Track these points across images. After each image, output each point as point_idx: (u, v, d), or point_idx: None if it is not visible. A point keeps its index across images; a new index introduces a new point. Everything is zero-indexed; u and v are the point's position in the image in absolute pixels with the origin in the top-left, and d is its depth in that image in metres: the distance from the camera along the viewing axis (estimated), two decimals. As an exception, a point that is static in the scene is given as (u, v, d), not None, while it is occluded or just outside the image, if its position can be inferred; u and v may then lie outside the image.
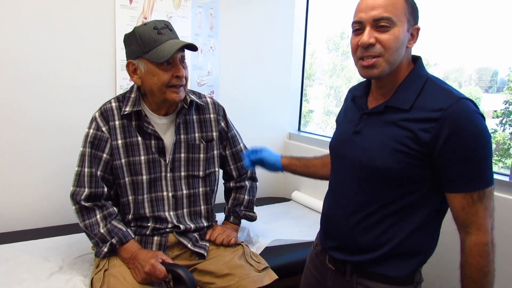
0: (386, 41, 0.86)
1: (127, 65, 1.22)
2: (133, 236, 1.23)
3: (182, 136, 1.30)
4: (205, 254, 1.28)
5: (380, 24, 0.86)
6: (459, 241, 0.89)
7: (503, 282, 1.29)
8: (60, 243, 1.49)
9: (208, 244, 1.32)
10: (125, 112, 1.23)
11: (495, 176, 1.38)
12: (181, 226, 1.28)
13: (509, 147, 2.23)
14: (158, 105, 1.26)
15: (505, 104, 2.28)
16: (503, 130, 2.33)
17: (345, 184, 0.99)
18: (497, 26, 1.96)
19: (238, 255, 1.27)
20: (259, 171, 1.57)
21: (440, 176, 0.87)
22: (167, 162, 1.29)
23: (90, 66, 1.74)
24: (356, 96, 1.04)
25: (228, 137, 1.42)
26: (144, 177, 1.26)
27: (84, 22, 1.70)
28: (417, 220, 0.91)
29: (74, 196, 1.22)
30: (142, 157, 1.26)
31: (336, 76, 3.75)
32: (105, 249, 1.19)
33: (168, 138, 1.29)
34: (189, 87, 1.28)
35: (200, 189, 1.34)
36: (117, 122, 1.24)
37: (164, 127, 1.29)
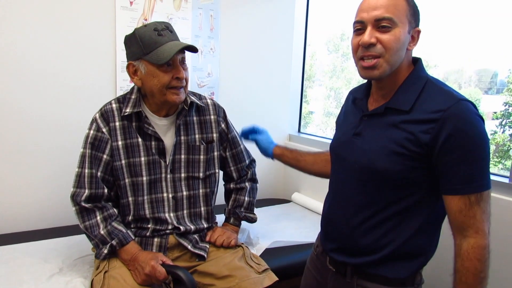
0: (387, 42, 0.86)
1: (128, 67, 1.22)
2: (133, 237, 1.23)
3: (182, 138, 1.30)
4: (205, 255, 1.28)
5: (381, 24, 0.86)
6: (454, 247, 0.87)
7: (503, 284, 1.30)
8: (60, 245, 1.49)
9: (208, 246, 1.31)
10: (126, 113, 1.23)
11: (495, 178, 1.39)
12: (181, 227, 1.28)
13: (509, 148, 2.23)
14: (158, 107, 1.26)
15: (505, 106, 2.29)
16: (503, 132, 2.33)
17: (345, 186, 0.99)
18: (497, 28, 1.96)
19: (238, 257, 1.27)
20: (259, 173, 1.57)
21: (438, 177, 0.86)
22: (167, 163, 1.29)
23: (90, 67, 1.75)
24: (356, 98, 1.04)
25: (228, 138, 1.42)
26: (144, 178, 1.26)
27: (84, 23, 1.70)
28: (417, 222, 0.91)
29: (74, 197, 1.21)
30: (142, 158, 1.26)
31: (336, 78, 3.75)
32: (105, 251, 1.18)
33: (168, 139, 1.29)
34: (189, 88, 1.28)
35: (200, 191, 1.34)
36: (117, 123, 1.24)
37: (164, 128, 1.29)
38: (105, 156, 1.23)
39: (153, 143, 1.27)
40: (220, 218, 1.48)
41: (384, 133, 0.91)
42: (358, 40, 0.89)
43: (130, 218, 1.27)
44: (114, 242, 1.18)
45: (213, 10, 2.03)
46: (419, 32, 0.92)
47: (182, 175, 1.31)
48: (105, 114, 1.25)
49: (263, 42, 2.22)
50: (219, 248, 1.31)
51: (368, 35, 0.87)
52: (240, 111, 2.13)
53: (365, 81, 1.07)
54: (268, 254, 1.48)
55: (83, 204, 1.20)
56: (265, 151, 1.38)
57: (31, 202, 1.70)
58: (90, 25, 1.72)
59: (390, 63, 0.88)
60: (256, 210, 1.52)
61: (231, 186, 1.48)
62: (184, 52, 1.21)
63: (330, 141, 1.19)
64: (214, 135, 1.37)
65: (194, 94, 1.38)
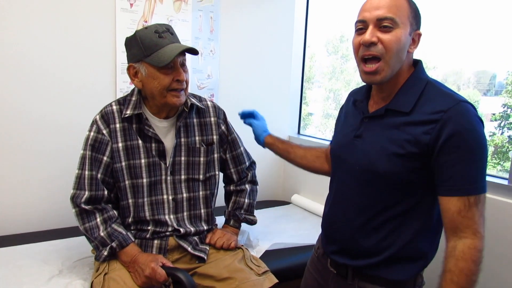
0: (388, 42, 0.87)
1: (128, 68, 1.22)
2: (133, 239, 1.23)
3: (182, 140, 1.30)
4: (205, 257, 1.27)
5: (383, 24, 0.87)
6: (446, 248, 0.85)
7: (503, 285, 1.30)
8: (59, 246, 1.49)
9: (208, 248, 1.31)
10: (126, 115, 1.23)
11: (494, 180, 1.39)
12: (181, 229, 1.28)
13: (508, 150, 2.24)
14: (158, 108, 1.26)
15: (503, 107, 2.30)
16: (502, 134, 2.34)
17: (346, 187, 1.00)
18: (496, 30, 1.97)
19: (238, 259, 1.27)
20: (258, 175, 1.57)
21: (436, 178, 0.86)
22: (167, 165, 1.29)
23: (90, 68, 1.75)
24: (357, 100, 1.05)
25: (228, 140, 1.42)
26: (144, 180, 1.26)
27: (84, 25, 1.70)
28: (418, 224, 0.91)
29: (74, 199, 1.21)
30: (143, 160, 1.26)
31: (335, 79, 3.76)
32: (105, 253, 1.18)
33: (169, 141, 1.29)
34: (189, 90, 1.28)
35: (200, 193, 1.34)
36: (117, 125, 1.24)
37: (164, 130, 1.29)
38: (105, 158, 1.23)
39: (153, 145, 1.27)
40: (220, 220, 1.48)
41: (384, 135, 0.91)
42: (360, 39, 0.90)
43: (130, 220, 1.27)
44: (114, 244, 1.18)
45: (213, 12, 2.03)
46: (420, 35, 0.93)
47: (182, 177, 1.31)
48: (106, 116, 1.25)
49: (263, 44, 2.22)
50: (219, 250, 1.31)
51: (369, 34, 0.88)
52: (240, 113, 2.13)
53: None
54: (268, 256, 1.48)
55: (83, 206, 1.20)
56: (257, 138, 1.40)
57: (31, 203, 1.70)
58: (90, 26, 1.72)
59: (391, 66, 0.89)
60: (255, 212, 1.52)
61: (231, 188, 1.48)
62: (184, 55, 1.21)
63: (329, 143, 1.20)
64: (214, 137, 1.37)
65: (194, 96, 1.38)
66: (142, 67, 1.18)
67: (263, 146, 1.40)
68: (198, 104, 1.34)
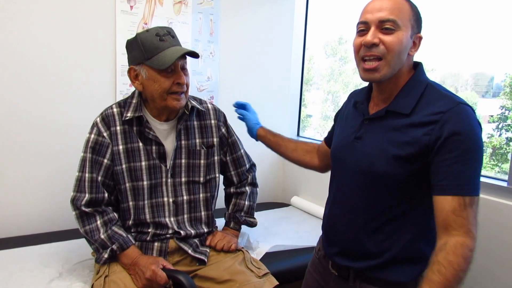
0: (389, 43, 0.87)
1: (129, 71, 1.22)
2: (133, 242, 1.23)
3: (183, 142, 1.31)
4: (206, 260, 1.28)
5: (385, 26, 0.88)
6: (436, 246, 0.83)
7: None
8: (59, 249, 1.48)
9: (208, 250, 1.31)
10: (127, 118, 1.23)
11: (494, 182, 1.40)
12: (181, 232, 1.28)
13: (506, 151, 2.25)
14: (159, 111, 1.26)
15: (501, 109, 2.31)
16: (500, 135, 2.35)
17: (346, 189, 1.00)
18: (493, 32, 1.98)
19: (239, 261, 1.27)
20: (259, 177, 1.57)
21: (432, 177, 0.85)
22: (167, 167, 1.29)
23: (90, 70, 1.75)
24: (357, 102, 1.05)
25: (228, 143, 1.43)
26: (145, 182, 1.26)
27: (85, 27, 1.70)
28: (419, 226, 0.91)
29: (74, 202, 1.21)
30: (143, 163, 1.26)
31: (334, 81, 3.77)
32: (106, 255, 1.18)
33: (169, 144, 1.29)
34: (189, 92, 1.29)
35: (201, 195, 1.34)
36: (118, 128, 1.24)
37: (165, 133, 1.29)
38: (105, 161, 1.23)
39: (153, 147, 1.27)
40: (220, 222, 1.48)
41: (384, 137, 0.92)
42: (361, 40, 0.90)
43: (130, 222, 1.27)
44: (114, 247, 1.18)
45: (212, 14, 2.04)
46: (420, 38, 0.93)
47: (183, 179, 1.31)
48: (106, 118, 1.25)
49: (262, 46, 2.23)
50: (220, 252, 1.31)
51: (371, 35, 0.88)
52: (239, 115, 2.13)
53: (364, 84, 1.08)
54: (268, 258, 1.48)
55: (83, 208, 1.20)
56: (250, 131, 1.43)
57: (31, 204, 1.70)
58: (90, 28, 1.72)
59: (391, 66, 0.89)
60: (255, 214, 1.52)
61: (231, 190, 1.49)
62: (185, 58, 1.21)
63: (323, 139, 1.23)
64: (215, 139, 1.37)
65: (194, 98, 1.38)
66: (142, 70, 1.19)
67: (256, 139, 1.42)
68: (199, 106, 1.34)
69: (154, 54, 1.15)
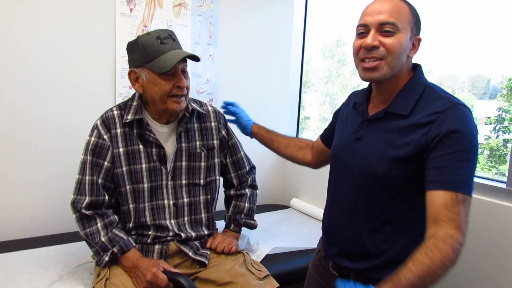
0: (390, 45, 0.88)
1: (129, 73, 1.22)
2: (134, 244, 1.23)
3: (183, 144, 1.31)
4: (206, 262, 1.28)
5: (385, 29, 0.89)
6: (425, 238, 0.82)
7: (502, 288, 1.31)
8: (59, 252, 1.48)
9: (209, 252, 1.31)
10: (127, 120, 1.23)
11: (493, 183, 1.41)
12: (182, 234, 1.28)
13: (503, 153, 2.27)
14: (159, 114, 1.26)
15: (498, 111, 2.32)
16: (497, 137, 2.37)
17: (346, 190, 1.01)
18: (490, 35, 2.00)
19: (239, 263, 1.27)
20: (258, 179, 1.57)
21: (426, 174, 0.85)
22: (168, 170, 1.29)
23: (90, 73, 1.75)
24: (357, 103, 1.06)
25: (229, 145, 1.43)
26: (145, 185, 1.26)
27: (84, 29, 1.71)
28: (419, 226, 0.92)
29: (74, 204, 1.21)
30: (143, 165, 1.26)
31: (332, 83, 3.79)
32: (106, 258, 1.18)
33: (170, 146, 1.29)
34: (189, 95, 1.29)
35: (201, 197, 1.34)
36: (118, 130, 1.24)
37: (165, 135, 1.29)
38: (106, 163, 1.23)
39: (154, 150, 1.27)
40: (220, 224, 1.48)
41: (384, 138, 0.93)
42: (361, 43, 0.91)
43: (130, 225, 1.27)
44: (115, 249, 1.18)
45: (212, 17, 2.04)
46: (419, 40, 0.94)
47: (183, 182, 1.31)
48: (106, 121, 1.25)
49: (261, 49, 2.24)
50: (220, 254, 1.31)
51: (371, 38, 0.89)
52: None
53: (363, 86, 1.09)
54: (269, 260, 1.48)
55: (83, 211, 1.19)
56: (244, 128, 1.43)
57: (30, 206, 1.69)
58: (90, 31, 1.72)
59: (391, 66, 0.90)
60: (255, 216, 1.52)
61: (231, 192, 1.49)
62: (186, 61, 1.22)
63: (319, 136, 1.26)
64: (215, 142, 1.38)
65: (195, 101, 1.38)
66: (143, 73, 1.19)
67: (251, 136, 1.43)
68: (199, 109, 1.35)
69: (155, 57, 1.16)
